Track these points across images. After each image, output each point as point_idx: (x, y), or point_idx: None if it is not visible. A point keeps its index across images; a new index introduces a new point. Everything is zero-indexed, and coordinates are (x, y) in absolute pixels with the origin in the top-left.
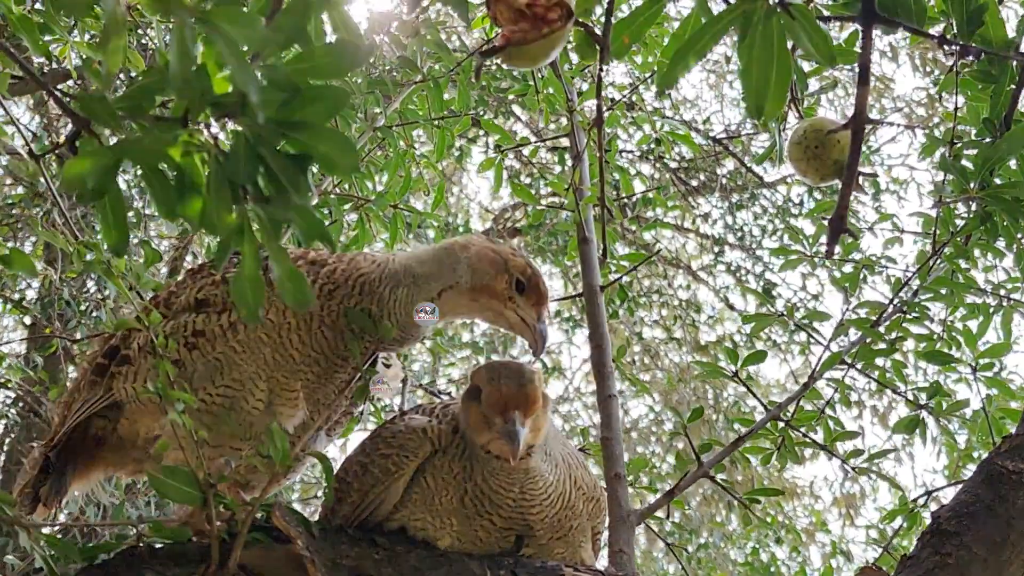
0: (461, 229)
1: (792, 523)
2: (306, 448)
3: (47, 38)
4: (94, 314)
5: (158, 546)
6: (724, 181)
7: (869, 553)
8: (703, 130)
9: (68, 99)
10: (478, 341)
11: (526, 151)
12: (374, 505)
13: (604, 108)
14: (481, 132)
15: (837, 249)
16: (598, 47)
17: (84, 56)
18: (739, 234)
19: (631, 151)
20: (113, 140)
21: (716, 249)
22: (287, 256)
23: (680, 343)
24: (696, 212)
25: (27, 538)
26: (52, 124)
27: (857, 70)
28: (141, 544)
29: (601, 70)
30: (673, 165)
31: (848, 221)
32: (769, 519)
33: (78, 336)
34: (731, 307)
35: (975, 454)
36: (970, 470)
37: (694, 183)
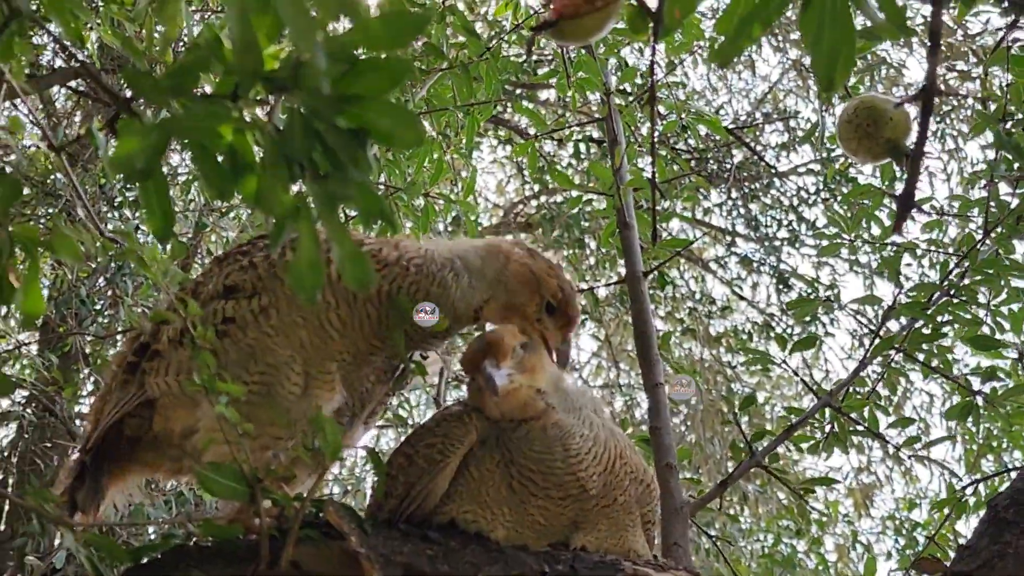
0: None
1: (808, 514)
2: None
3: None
4: (107, 312)
5: (206, 545)
6: (736, 172)
7: (884, 543)
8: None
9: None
10: None
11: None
12: (421, 498)
13: (646, 88)
14: (489, 127)
15: (876, 232)
16: (651, 21)
17: (119, 31)
18: (752, 224)
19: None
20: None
21: (728, 240)
22: (348, 235)
23: (694, 334)
24: (706, 203)
25: (73, 539)
26: (59, 123)
27: (928, 39)
28: (189, 543)
29: (655, 45)
30: (685, 157)
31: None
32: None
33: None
34: (742, 298)
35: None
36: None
37: (703, 174)
